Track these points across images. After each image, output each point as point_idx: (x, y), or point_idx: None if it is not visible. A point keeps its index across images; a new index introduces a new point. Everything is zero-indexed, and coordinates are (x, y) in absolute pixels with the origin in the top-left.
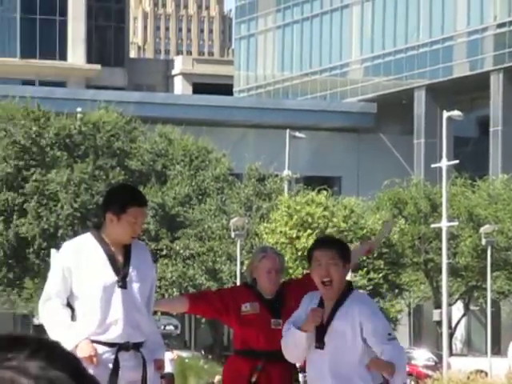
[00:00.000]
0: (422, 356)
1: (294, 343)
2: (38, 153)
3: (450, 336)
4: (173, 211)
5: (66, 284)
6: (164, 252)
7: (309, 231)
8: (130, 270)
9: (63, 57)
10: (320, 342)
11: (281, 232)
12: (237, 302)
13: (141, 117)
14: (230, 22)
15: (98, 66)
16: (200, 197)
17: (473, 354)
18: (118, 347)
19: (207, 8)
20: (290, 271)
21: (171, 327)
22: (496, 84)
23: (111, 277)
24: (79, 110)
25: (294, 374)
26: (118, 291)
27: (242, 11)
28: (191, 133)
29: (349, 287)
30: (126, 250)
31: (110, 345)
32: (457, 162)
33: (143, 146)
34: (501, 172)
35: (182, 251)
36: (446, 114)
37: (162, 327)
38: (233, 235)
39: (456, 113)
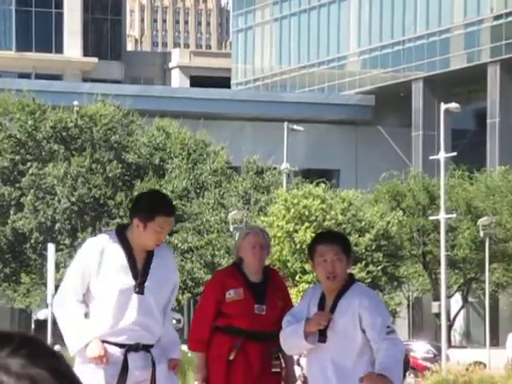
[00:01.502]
0: (421, 348)
1: (295, 339)
2: (34, 146)
3: (449, 328)
4: None
5: (85, 281)
6: None
7: (306, 224)
8: (149, 275)
9: (59, 50)
10: (322, 336)
11: (278, 226)
12: (223, 291)
13: (138, 110)
14: (228, 15)
15: (94, 59)
16: (198, 190)
17: (471, 345)
18: (128, 348)
19: (204, 1)
20: (289, 264)
21: (173, 321)
22: (493, 76)
23: (129, 282)
24: (76, 103)
25: (273, 354)
26: (134, 297)
27: (239, 4)
28: (189, 126)
29: (350, 280)
30: (148, 255)
31: (120, 345)
32: (454, 154)
33: (140, 139)
34: (498, 164)
35: (180, 245)
36: (443, 107)
37: None
38: (231, 228)
39: (453, 105)
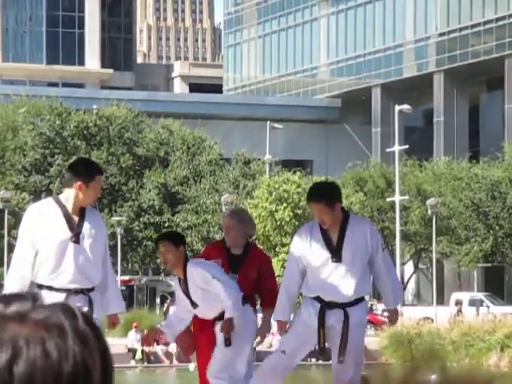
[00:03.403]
0: (380, 307)
1: (279, 307)
2: (61, 142)
3: (403, 290)
4: (173, 190)
5: (34, 246)
6: (166, 224)
7: (285, 205)
8: (83, 229)
9: (82, 63)
10: (337, 257)
11: (262, 206)
12: (209, 259)
13: (146, 112)
14: (220, 33)
15: (110, 70)
16: (196, 178)
17: (421, 304)
18: (68, 292)
19: (201, 21)
20: (271, 238)
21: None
22: (438, 82)
23: (66, 233)
24: (95, 106)
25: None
26: (71, 245)
27: (229, 24)
28: (188, 125)
29: (345, 214)
30: (82, 214)
31: (62, 290)
32: (407, 147)
33: (148, 136)
34: (443, 155)
35: (181, 223)
36: (397, 108)
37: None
38: (223, 209)
39: (406, 106)
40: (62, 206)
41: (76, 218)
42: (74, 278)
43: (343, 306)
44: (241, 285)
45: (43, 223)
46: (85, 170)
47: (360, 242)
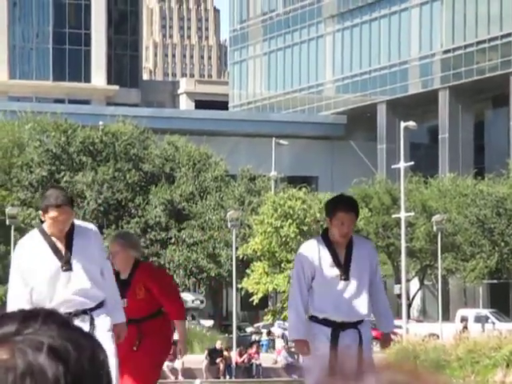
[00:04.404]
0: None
1: (294, 325)
2: (67, 159)
3: (408, 306)
4: (179, 206)
5: (25, 280)
6: (172, 240)
7: (290, 221)
8: (74, 253)
9: (87, 79)
10: (346, 274)
11: (267, 223)
12: None
13: (152, 128)
14: (226, 50)
15: (116, 87)
16: (202, 194)
17: (427, 320)
18: (69, 315)
19: (206, 38)
20: (276, 254)
21: (198, 302)
22: (443, 99)
23: (55, 263)
24: (101, 123)
25: (138, 334)
26: (62, 274)
27: (235, 41)
28: (194, 141)
29: None
30: (69, 237)
31: (64, 314)
32: (412, 163)
33: (154, 152)
34: (448, 171)
35: (187, 239)
36: (402, 124)
37: (191, 302)
38: (229, 225)
39: (411, 123)
40: (47, 236)
41: (62, 245)
42: (74, 302)
43: (356, 325)
44: (132, 307)
45: (32, 259)
46: (43, 200)
47: (365, 261)
